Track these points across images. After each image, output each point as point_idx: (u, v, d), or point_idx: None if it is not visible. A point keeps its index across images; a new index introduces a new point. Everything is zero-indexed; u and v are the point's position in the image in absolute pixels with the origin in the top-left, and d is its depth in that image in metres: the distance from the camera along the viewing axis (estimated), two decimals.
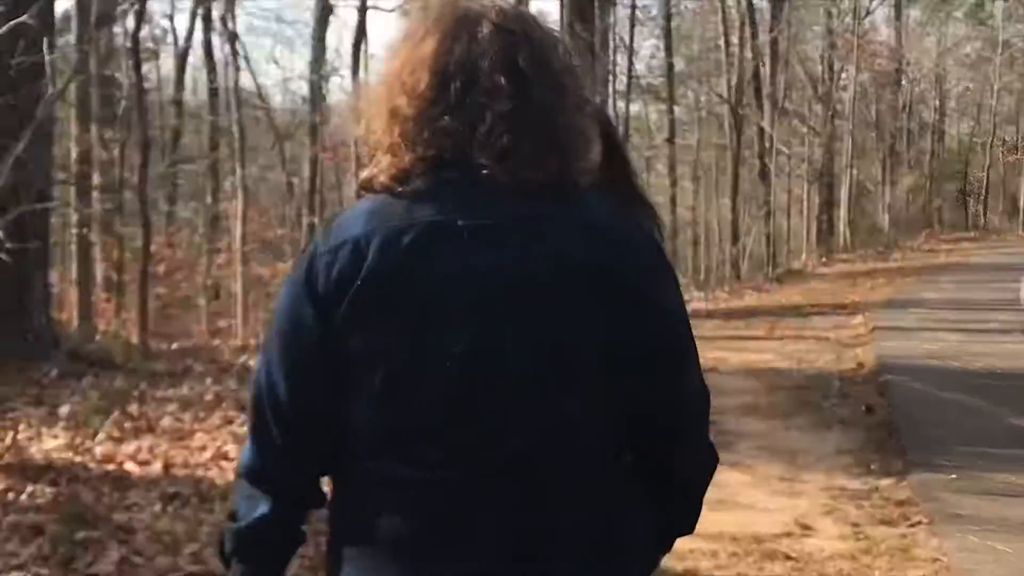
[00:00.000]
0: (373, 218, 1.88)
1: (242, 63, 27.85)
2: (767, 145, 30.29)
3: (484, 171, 1.85)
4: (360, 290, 1.84)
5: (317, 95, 26.63)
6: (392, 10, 24.86)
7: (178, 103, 30.18)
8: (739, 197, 29.97)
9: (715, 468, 2.10)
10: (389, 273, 1.84)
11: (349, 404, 1.90)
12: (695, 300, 19.83)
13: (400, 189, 1.89)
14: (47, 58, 8.37)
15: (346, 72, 26.41)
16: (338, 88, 30.34)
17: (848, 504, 6.76)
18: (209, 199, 28.14)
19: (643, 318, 1.90)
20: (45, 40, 8.46)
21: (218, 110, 29.15)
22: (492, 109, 1.87)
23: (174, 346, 15.34)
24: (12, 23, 8.42)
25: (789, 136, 33.00)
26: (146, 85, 35.64)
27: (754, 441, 8.36)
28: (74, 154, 25.12)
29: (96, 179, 24.58)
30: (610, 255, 1.88)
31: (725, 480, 7.19)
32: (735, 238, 29.24)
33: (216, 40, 28.58)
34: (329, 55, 27.68)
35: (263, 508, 1.96)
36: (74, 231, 24.26)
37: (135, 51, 13.24)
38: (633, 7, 29.67)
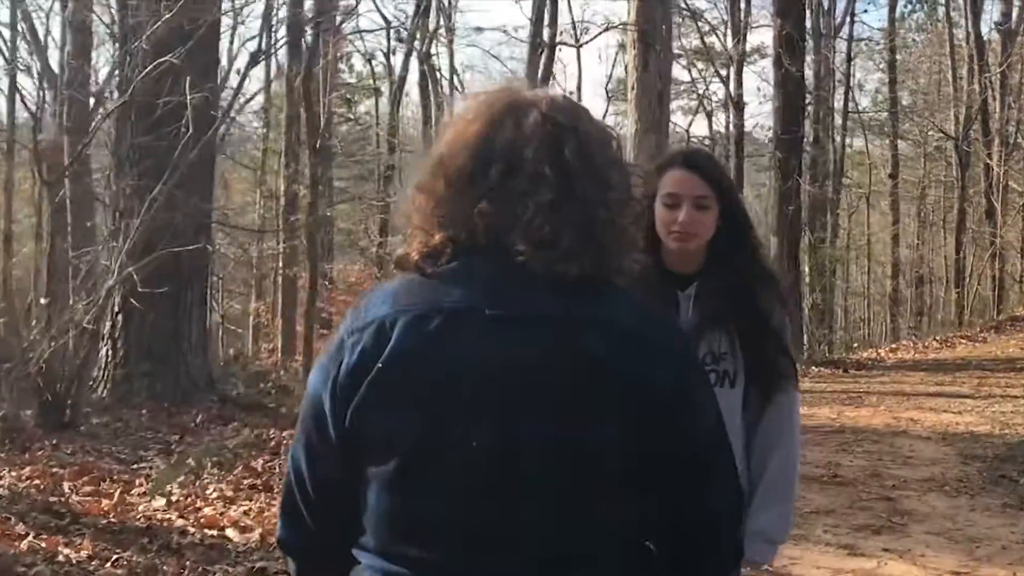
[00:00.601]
0: (400, 299, 1.86)
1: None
2: (994, 183, 28.71)
3: (520, 258, 1.81)
4: (380, 373, 1.80)
5: None
6: (579, 44, 24.71)
7: (392, 140, 30.72)
8: (965, 237, 28.54)
9: (737, 570, 2.06)
10: (411, 358, 1.80)
11: (365, 488, 1.87)
12: (902, 349, 18.70)
13: (430, 270, 1.86)
14: (188, 98, 8.14)
15: None
16: None
17: None
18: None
19: (666, 428, 1.83)
20: (187, 79, 8.24)
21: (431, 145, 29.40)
22: (534, 198, 1.83)
23: None
24: (154, 64, 8.25)
25: (1021, 174, 31.22)
26: (366, 120, 36.77)
27: (932, 524, 7.46)
28: (282, 189, 25.74)
29: (306, 212, 25.02)
30: (636, 360, 1.82)
31: (889, 574, 6.39)
32: (959, 280, 27.81)
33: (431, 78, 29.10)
34: None
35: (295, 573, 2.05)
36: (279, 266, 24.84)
37: (305, 86, 13.10)
38: (850, 40, 28.69)
